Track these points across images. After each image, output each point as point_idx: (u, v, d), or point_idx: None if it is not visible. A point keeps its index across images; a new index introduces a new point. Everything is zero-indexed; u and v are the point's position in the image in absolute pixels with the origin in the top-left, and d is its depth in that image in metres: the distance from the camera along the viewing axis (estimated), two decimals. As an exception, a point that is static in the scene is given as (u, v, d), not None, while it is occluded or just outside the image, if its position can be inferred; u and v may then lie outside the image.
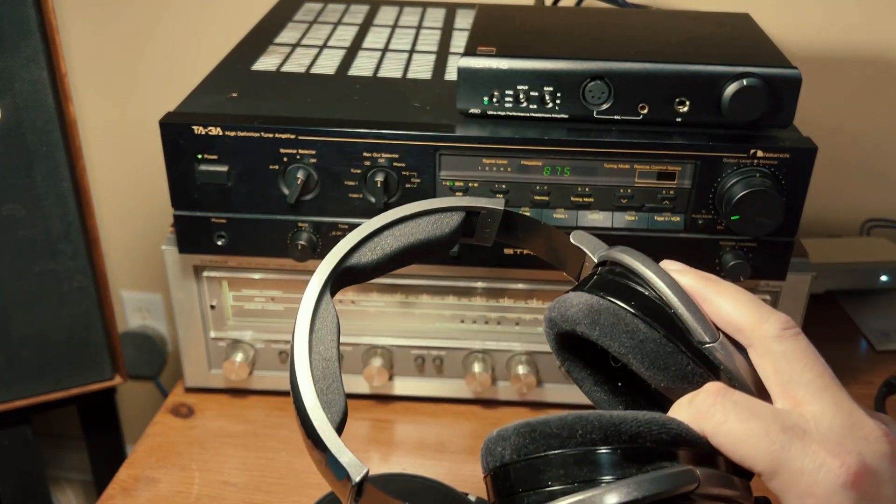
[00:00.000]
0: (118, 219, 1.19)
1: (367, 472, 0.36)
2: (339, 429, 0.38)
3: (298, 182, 0.64)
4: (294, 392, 0.39)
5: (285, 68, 0.76)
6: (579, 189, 0.65)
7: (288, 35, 0.84)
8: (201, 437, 0.73)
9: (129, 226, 1.19)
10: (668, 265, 0.41)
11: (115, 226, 1.19)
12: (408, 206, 0.45)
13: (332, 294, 0.43)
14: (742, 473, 0.36)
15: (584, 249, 0.45)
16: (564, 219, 0.66)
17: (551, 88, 0.63)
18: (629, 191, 0.65)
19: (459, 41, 0.84)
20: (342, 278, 0.43)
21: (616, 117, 0.63)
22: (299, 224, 0.67)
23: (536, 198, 0.65)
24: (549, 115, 0.64)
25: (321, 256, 0.67)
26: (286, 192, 0.65)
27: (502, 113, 0.64)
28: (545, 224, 0.47)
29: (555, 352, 0.44)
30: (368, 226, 0.44)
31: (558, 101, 0.63)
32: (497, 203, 0.45)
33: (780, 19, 0.95)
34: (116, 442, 0.94)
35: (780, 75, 0.61)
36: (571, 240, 0.45)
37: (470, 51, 0.63)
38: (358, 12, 0.92)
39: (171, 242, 0.70)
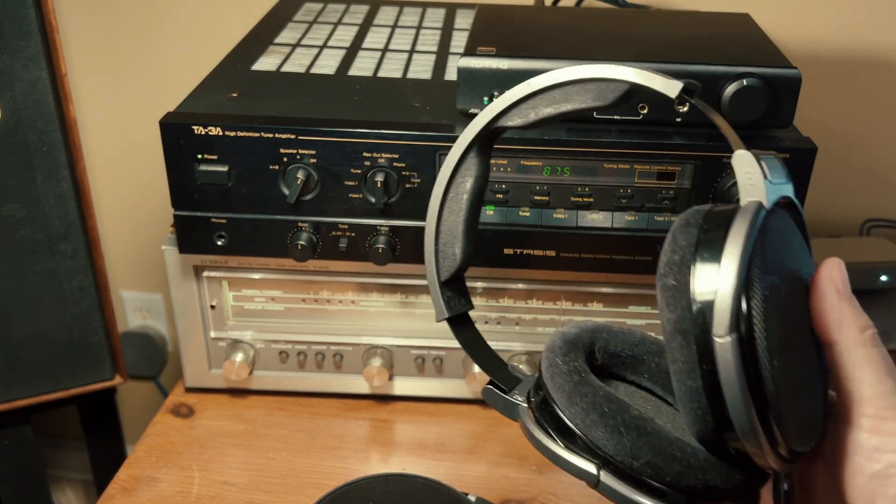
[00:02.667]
0: (118, 219, 1.19)
1: (452, 317, 0.47)
2: (451, 277, 0.46)
3: (298, 182, 0.64)
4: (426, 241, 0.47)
5: (285, 68, 0.76)
6: (579, 189, 0.65)
7: (288, 35, 0.84)
8: (201, 437, 0.73)
9: (129, 226, 1.19)
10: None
11: (115, 226, 1.19)
12: (573, 69, 0.42)
13: (486, 148, 0.46)
14: None
15: None
16: (564, 219, 0.66)
17: (551, 88, 0.63)
18: (629, 191, 0.65)
19: (459, 41, 0.84)
20: (493, 134, 0.46)
21: (616, 117, 0.63)
22: (299, 224, 0.67)
23: (536, 198, 0.66)
24: (549, 115, 0.64)
25: (321, 256, 0.68)
26: (286, 192, 0.65)
27: (502, 113, 0.64)
28: None
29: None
30: (527, 87, 0.43)
31: (558, 101, 0.63)
32: (672, 88, 0.41)
33: (780, 19, 0.95)
34: (116, 442, 0.94)
35: (780, 75, 0.61)
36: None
37: (470, 51, 0.63)
38: (358, 12, 0.92)
39: (171, 242, 0.70)
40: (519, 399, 0.45)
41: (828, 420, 0.40)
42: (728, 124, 0.40)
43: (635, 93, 0.42)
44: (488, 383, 0.46)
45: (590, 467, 0.39)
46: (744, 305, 0.34)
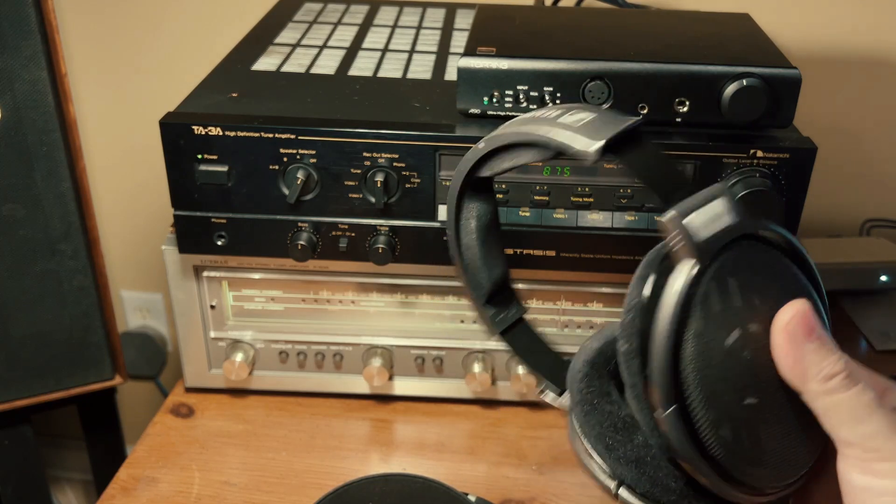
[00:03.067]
0: (118, 219, 1.19)
1: (515, 319, 0.52)
2: (489, 297, 0.52)
3: (298, 182, 0.64)
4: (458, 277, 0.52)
5: (285, 68, 0.76)
6: (579, 189, 0.65)
7: (288, 35, 0.84)
8: (201, 437, 0.73)
9: (129, 226, 1.19)
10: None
11: (115, 226, 1.19)
12: (528, 130, 0.44)
13: (479, 190, 0.50)
14: None
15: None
16: (564, 219, 0.66)
17: (551, 88, 0.63)
18: (629, 191, 0.65)
19: (459, 41, 0.84)
20: (478, 182, 0.50)
21: (616, 117, 0.63)
22: (299, 224, 0.67)
23: (536, 198, 0.65)
24: (549, 115, 0.64)
25: (321, 256, 0.68)
26: (286, 192, 0.65)
27: (502, 113, 0.64)
28: None
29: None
30: (493, 142, 0.45)
31: (558, 102, 0.63)
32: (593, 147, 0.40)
33: (780, 19, 0.95)
34: (116, 442, 0.94)
35: (780, 75, 0.61)
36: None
37: (470, 51, 0.63)
38: (358, 12, 0.92)
39: (171, 242, 0.70)
40: (566, 405, 0.47)
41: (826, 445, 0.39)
42: (655, 179, 0.40)
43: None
44: (540, 391, 0.50)
45: (609, 483, 0.42)
46: (674, 382, 0.36)
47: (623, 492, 0.41)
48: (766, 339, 0.37)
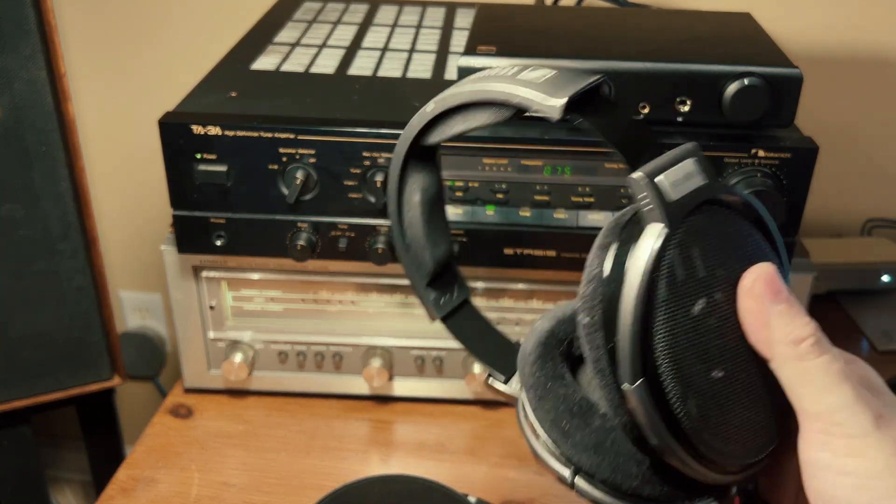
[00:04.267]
0: (117, 219, 1.19)
1: (459, 302, 0.49)
2: (432, 278, 0.48)
3: (298, 182, 0.64)
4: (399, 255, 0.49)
5: (284, 68, 0.75)
6: (580, 189, 0.65)
7: (287, 34, 0.84)
8: (200, 437, 0.73)
9: (128, 226, 1.19)
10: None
11: (114, 226, 1.19)
12: (463, 92, 0.41)
13: (424, 161, 0.46)
14: None
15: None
16: (565, 219, 0.66)
17: (552, 88, 0.62)
18: (629, 190, 0.65)
19: (459, 41, 0.84)
20: (424, 150, 0.46)
21: (617, 117, 0.63)
22: (299, 224, 0.66)
23: (537, 198, 0.65)
24: (550, 115, 0.64)
25: (321, 256, 0.68)
26: (286, 191, 0.65)
27: (502, 112, 0.64)
28: None
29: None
30: (439, 105, 0.43)
31: (559, 101, 0.63)
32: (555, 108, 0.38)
33: (782, 19, 0.95)
34: (115, 442, 0.94)
35: (782, 75, 0.61)
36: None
37: (470, 50, 0.63)
38: (357, 11, 0.92)
39: (170, 242, 0.70)
40: (515, 390, 0.45)
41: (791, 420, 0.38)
42: (622, 139, 0.38)
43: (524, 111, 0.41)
44: (487, 376, 0.47)
45: (565, 472, 0.40)
46: (644, 353, 0.34)
47: (579, 480, 0.39)
48: (734, 307, 0.36)
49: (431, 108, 0.42)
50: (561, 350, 0.43)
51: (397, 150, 0.46)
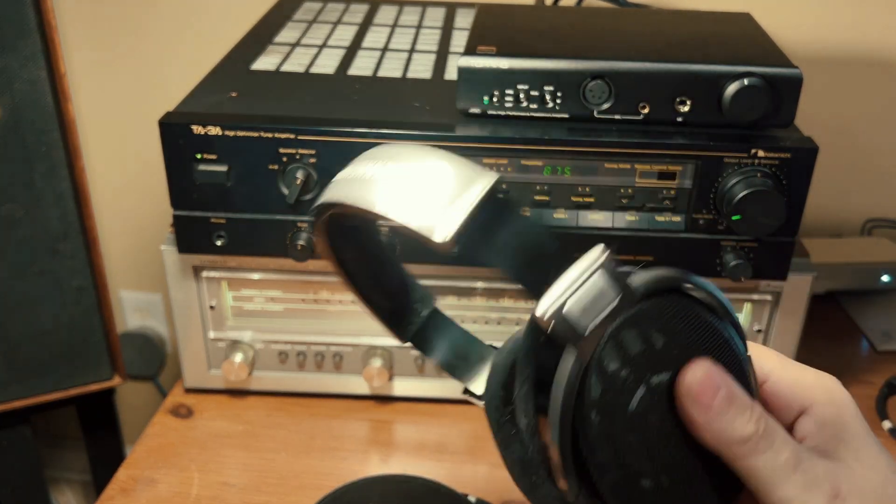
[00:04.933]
0: (117, 219, 1.19)
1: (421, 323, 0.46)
2: (389, 311, 0.46)
3: (298, 182, 0.64)
4: None
5: (285, 68, 0.75)
6: (580, 189, 0.65)
7: (287, 34, 0.84)
8: (200, 437, 0.73)
9: (128, 226, 1.19)
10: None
11: (114, 226, 1.19)
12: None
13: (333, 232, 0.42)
14: None
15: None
16: (565, 219, 0.66)
17: (551, 88, 0.62)
18: (630, 191, 0.65)
19: (459, 41, 0.84)
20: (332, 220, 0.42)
21: (616, 117, 0.63)
22: (299, 224, 0.66)
23: (537, 198, 0.65)
24: (550, 115, 0.64)
25: (320, 257, 0.68)
26: (286, 192, 0.65)
27: (502, 112, 0.64)
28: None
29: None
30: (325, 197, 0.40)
31: (558, 101, 0.63)
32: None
33: (781, 19, 0.95)
34: (115, 442, 0.94)
35: (782, 75, 0.61)
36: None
37: (470, 50, 0.63)
38: (357, 12, 0.92)
39: (170, 242, 0.70)
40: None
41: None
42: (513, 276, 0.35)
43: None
44: (465, 389, 0.45)
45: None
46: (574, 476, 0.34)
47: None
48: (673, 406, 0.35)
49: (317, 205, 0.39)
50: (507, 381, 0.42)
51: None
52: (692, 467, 0.35)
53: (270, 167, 0.64)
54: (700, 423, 0.34)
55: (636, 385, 0.33)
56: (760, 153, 0.62)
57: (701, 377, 0.34)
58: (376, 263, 0.45)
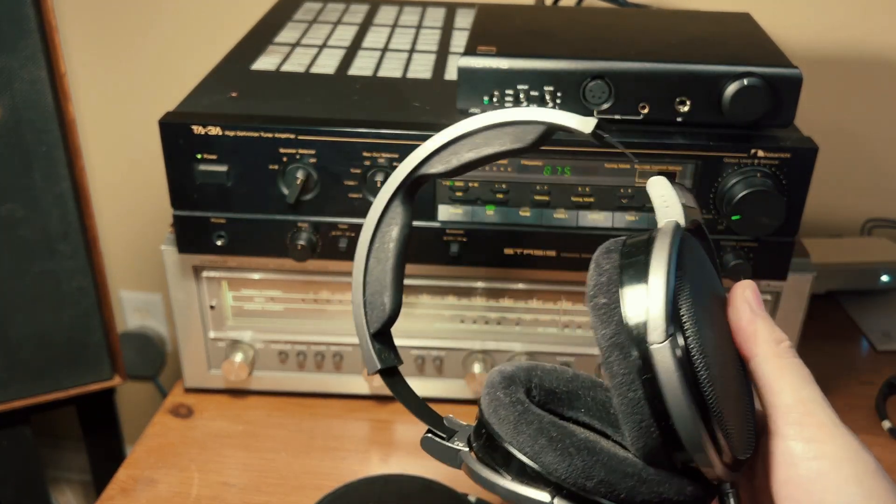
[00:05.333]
0: (117, 219, 1.19)
1: (385, 368, 0.45)
2: (381, 328, 0.45)
3: (298, 182, 0.64)
4: (353, 291, 0.45)
5: (285, 68, 0.75)
6: (580, 189, 0.65)
7: (287, 35, 0.84)
8: (201, 437, 0.73)
9: (128, 226, 1.19)
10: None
11: (114, 226, 1.19)
12: (489, 115, 0.43)
13: (410, 195, 0.45)
14: None
15: None
16: (565, 219, 0.66)
17: (551, 88, 0.62)
18: (630, 191, 0.65)
19: (459, 41, 0.84)
20: (417, 182, 0.45)
21: (616, 117, 0.63)
22: (299, 224, 0.67)
23: (537, 198, 0.65)
24: (550, 115, 0.64)
25: (321, 256, 0.68)
26: (286, 192, 0.65)
27: (502, 113, 0.64)
28: None
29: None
30: (446, 134, 0.43)
31: (558, 101, 0.63)
32: (586, 125, 0.41)
33: (781, 19, 0.95)
34: (116, 442, 0.94)
35: (781, 75, 0.61)
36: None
37: (470, 50, 0.63)
38: (358, 12, 0.92)
39: (170, 242, 0.70)
40: (460, 445, 0.44)
41: (759, 433, 0.40)
42: (635, 158, 0.42)
43: (554, 132, 0.42)
44: (427, 432, 0.45)
45: (543, 496, 0.38)
46: (675, 312, 0.36)
47: (559, 502, 0.37)
48: (720, 313, 0.41)
49: (444, 135, 0.43)
50: (524, 389, 0.43)
51: (392, 179, 0.45)
52: (738, 386, 0.39)
53: (270, 167, 0.64)
54: (750, 322, 0.40)
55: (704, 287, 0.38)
56: (760, 153, 0.62)
57: (752, 289, 0.41)
58: (404, 255, 0.46)
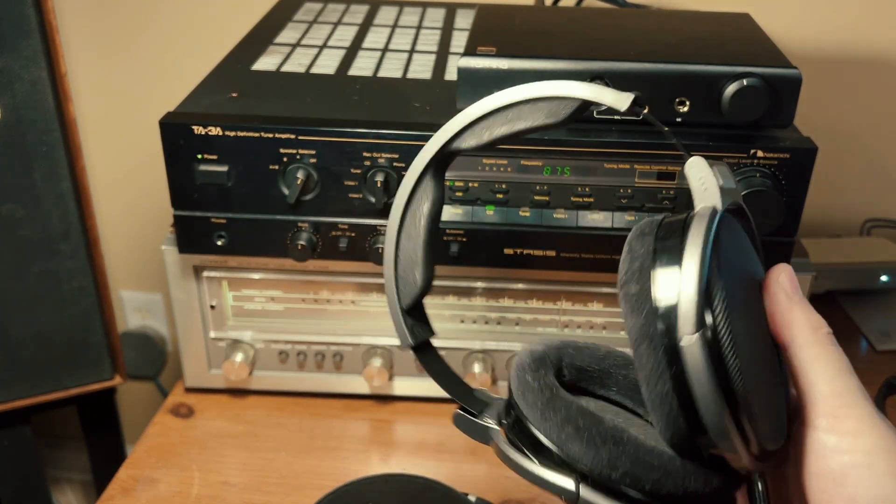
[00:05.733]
0: (118, 219, 1.19)
1: (420, 342, 0.46)
2: (412, 303, 0.45)
3: (298, 182, 0.64)
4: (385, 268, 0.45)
5: (285, 68, 0.75)
6: (579, 189, 0.65)
7: (288, 35, 0.84)
8: (201, 437, 0.73)
9: (128, 226, 1.19)
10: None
11: (114, 226, 1.19)
12: (522, 89, 0.41)
13: (441, 170, 0.45)
14: None
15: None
16: (565, 219, 0.66)
17: (551, 88, 0.62)
18: (629, 191, 0.65)
19: (459, 41, 0.84)
20: (448, 157, 0.45)
21: (616, 117, 0.63)
22: (299, 224, 0.67)
23: (536, 198, 0.65)
24: (550, 115, 0.64)
25: (321, 256, 0.68)
26: (286, 192, 0.65)
27: (502, 113, 0.64)
28: None
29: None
30: (479, 108, 0.42)
31: (558, 101, 0.63)
32: (623, 100, 0.40)
33: (781, 19, 0.95)
34: (116, 442, 0.94)
35: (781, 75, 0.61)
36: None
37: (470, 51, 0.63)
38: (358, 12, 0.92)
39: (170, 242, 0.70)
40: (490, 422, 0.44)
41: (792, 422, 0.40)
42: (675, 136, 0.40)
43: (587, 107, 0.41)
44: (458, 408, 0.45)
45: (568, 483, 0.38)
46: (707, 304, 0.35)
47: (585, 490, 0.38)
48: (756, 299, 0.40)
49: (475, 108, 0.42)
50: (554, 370, 0.43)
51: (423, 153, 0.44)
52: (771, 375, 0.39)
53: (271, 167, 0.65)
54: (787, 308, 0.39)
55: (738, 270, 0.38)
56: (760, 153, 0.62)
57: (787, 273, 0.40)
58: (436, 231, 0.46)
